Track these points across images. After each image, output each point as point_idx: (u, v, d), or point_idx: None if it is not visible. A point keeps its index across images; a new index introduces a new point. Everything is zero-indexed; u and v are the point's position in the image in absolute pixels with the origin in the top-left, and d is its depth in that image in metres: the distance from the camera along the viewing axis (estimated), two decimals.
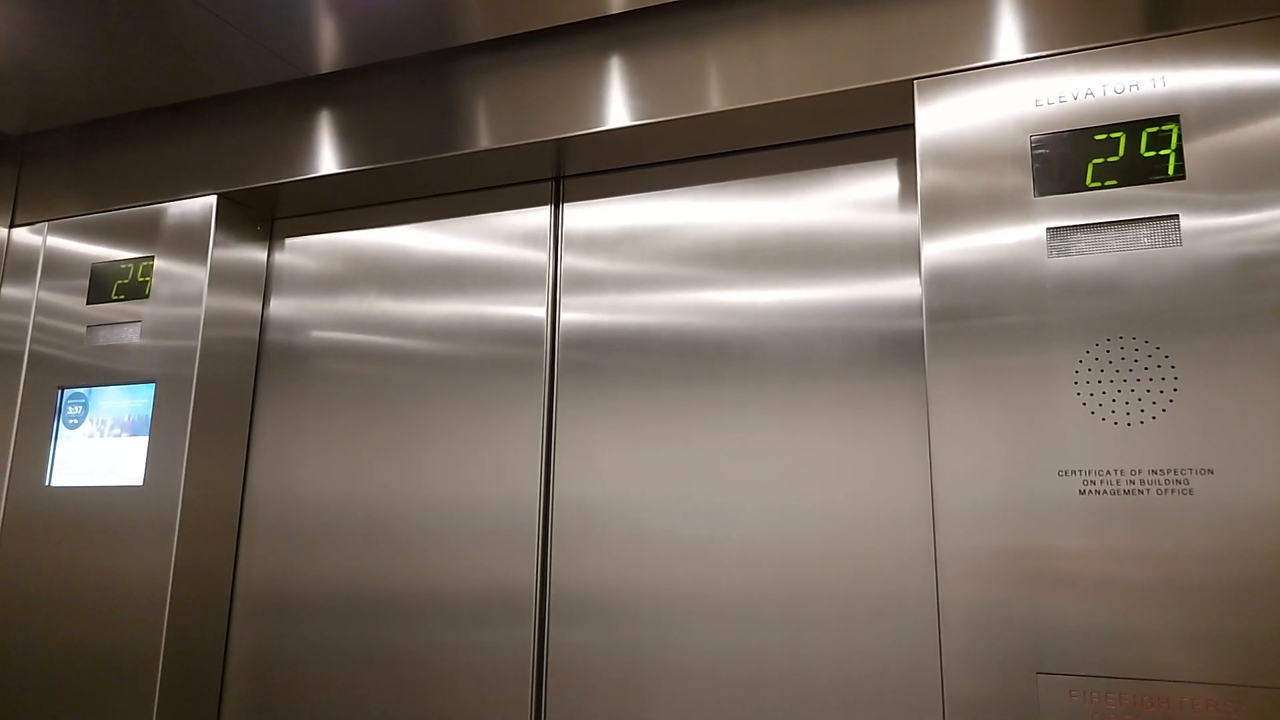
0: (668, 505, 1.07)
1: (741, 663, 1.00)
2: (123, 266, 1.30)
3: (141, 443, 1.22)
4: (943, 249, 0.91)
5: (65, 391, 1.30)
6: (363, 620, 1.19)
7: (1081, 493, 0.82)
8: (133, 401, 1.25)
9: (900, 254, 1.04)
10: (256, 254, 1.35)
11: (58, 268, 1.36)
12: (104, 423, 1.26)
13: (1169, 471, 0.80)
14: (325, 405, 1.28)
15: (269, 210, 1.36)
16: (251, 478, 1.30)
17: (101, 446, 1.25)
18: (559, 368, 1.17)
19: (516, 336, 1.20)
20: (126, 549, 1.20)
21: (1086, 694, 0.78)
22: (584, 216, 1.22)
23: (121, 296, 1.29)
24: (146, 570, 1.18)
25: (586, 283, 1.19)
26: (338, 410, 1.27)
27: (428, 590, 1.16)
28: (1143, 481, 0.81)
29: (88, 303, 1.32)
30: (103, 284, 1.31)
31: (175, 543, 1.17)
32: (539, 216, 1.24)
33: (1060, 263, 0.87)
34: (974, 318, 0.88)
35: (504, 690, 1.09)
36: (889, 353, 1.02)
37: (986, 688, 0.81)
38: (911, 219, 1.05)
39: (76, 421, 1.28)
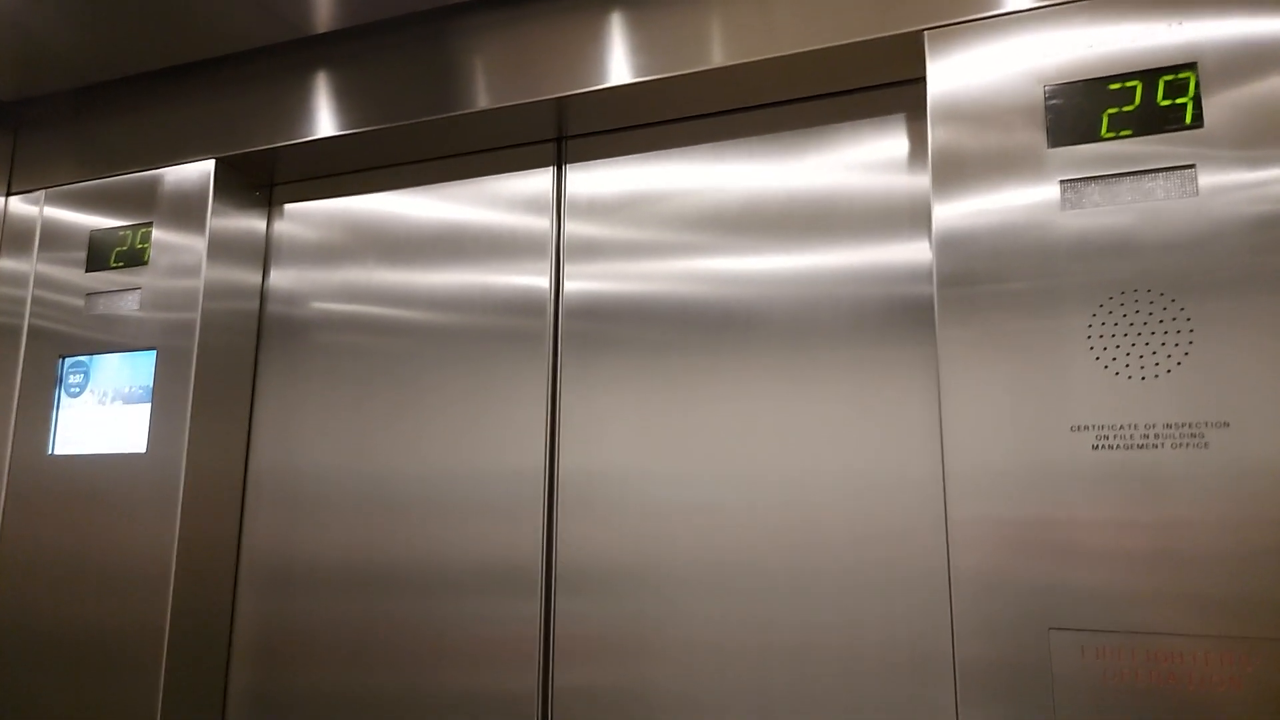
0: (674, 476, 1.07)
1: (749, 631, 0.99)
2: (121, 234, 1.29)
3: (143, 410, 1.22)
4: (954, 210, 0.89)
5: (66, 360, 1.30)
6: (368, 592, 1.18)
7: (1095, 448, 0.81)
8: (134, 369, 1.24)
9: (909, 216, 1.03)
10: (256, 222, 1.34)
11: (55, 236, 1.35)
12: (105, 391, 1.25)
13: (1184, 425, 0.78)
14: (327, 378, 1.27)
15: (267, 175, 1.34)
16: (254, 450, 1.29)
17: (103, 415, 1.25)
18: (563, 338, 1.16)
19: (520, 306, 1.19)
20: (130, 518, 1.20)
21: (1099, 649, 0.77)
22: (587, 180, 1.20)
23: (120, 264, 1.28)
24: (151, 540, 1.18)
25: (590, 250, 1.18)
26: (340, 383, 1.26)
27: (433, 562, 1.16)
28: (1157, 436, 0.79)
29: (86, 270, 1.31)
30: (101, 252, 1.30)
31: (179, 512, 1.17)
32: (541, 180, 1.22)
33: (1074, 216, 0.85)
34: (986, 281, 0.87)
35: (511, 661, 1.09)
36: (897, 319, 1.01)
37: (997, 644, 0.80)
38: (920, 180, 1.03)
39: (78, 390, 1.27)
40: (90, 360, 1.28)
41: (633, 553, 1.06)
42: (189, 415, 1.19)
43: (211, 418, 1.23)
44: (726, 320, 1.08)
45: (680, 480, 1.06)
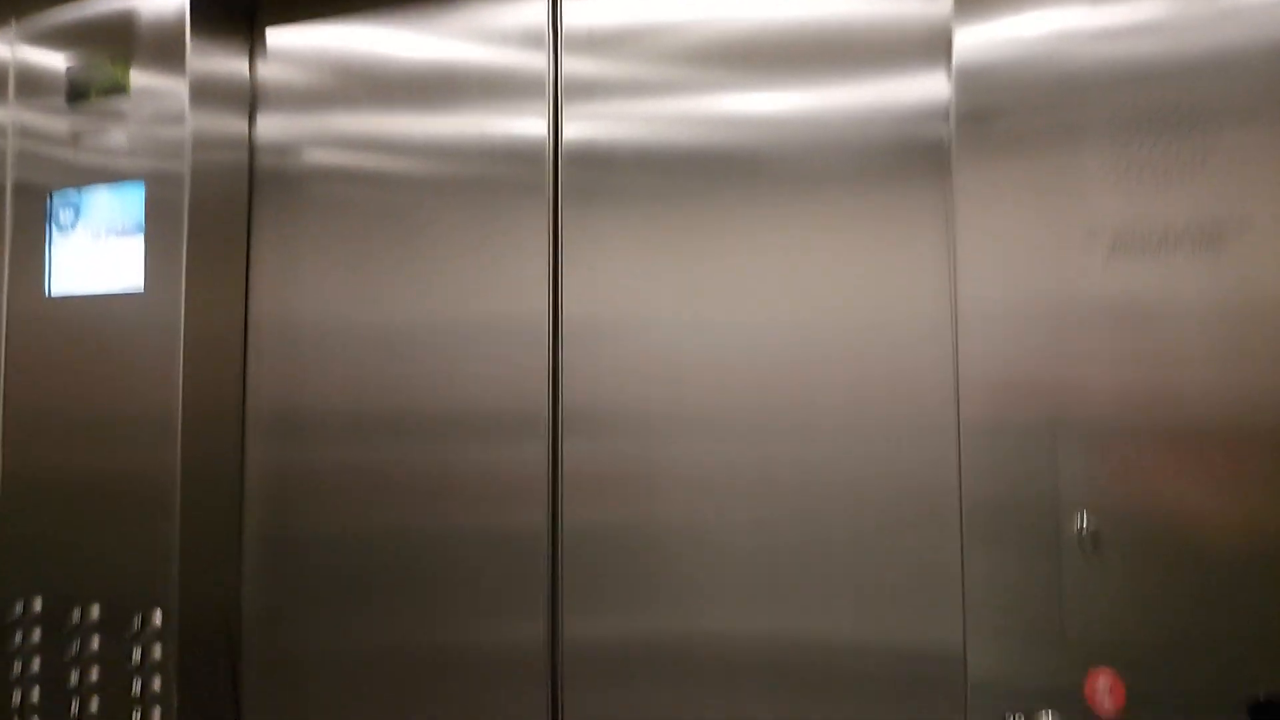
0: (678, 324, 1.07)
1: (752, 469, 1.02)
2: (99, 66, 1.23)
3: (137, 244, 1.20)
4: (978, 38, 0.85)
5: (55, 195, 1.27)
6: (376, 440, 1.20)
7: (1113, 249, 0.80)
8: (124, 202, 1.22)
9: (925, 48, 0.98)
10: (238, 64, 1.28)
11: (32, 72, 1.29)
12: (98, 227, 1.24)
13: (1207, 223, 0.78)
14: (325, 231, 1.24)
15: (249, 3, 1.27)
16: (254, 302, 1.28)
17: (98, 251, 1.23)
18: (562, 187, 1.13)
19: (517, 154, 1.15)
20: (133, 362, 1.20)
21: (1106, 446, 0.79)
22: (585, 9, 1.14)
23: (102, 96, 1.23)
24: (155, 384, 1.19)
25: (589, 89, 1.13)
26: (338, 236, 1.24)
27: (440, 409, 1.17)
28: (1176, 237, 0.79)
29: (68, 101, 1.26)
30: (81, 86, 1.25)
31: (181, 356, 1.17)
32: (536, 9, 1.16)
33: (1101, 14, 0.81)
34: (1009, 115, 0.84)
35: (519, 497, 1.12)
36: (908, 161, 0.98)
37: (1006, 481, 0.82)
38: (939, 6, 0.97)
39: (69, 227, 1.26)
40: (79, 195, 1.25)
41: (637, 398, 1.08)
42: (184, 253, 1.18)
43: (208, 263, 1.21)
44: (731, 165, 1.05)
45: (684, 329, 1.06)
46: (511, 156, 1.16)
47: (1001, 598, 0.82)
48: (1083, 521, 0.79)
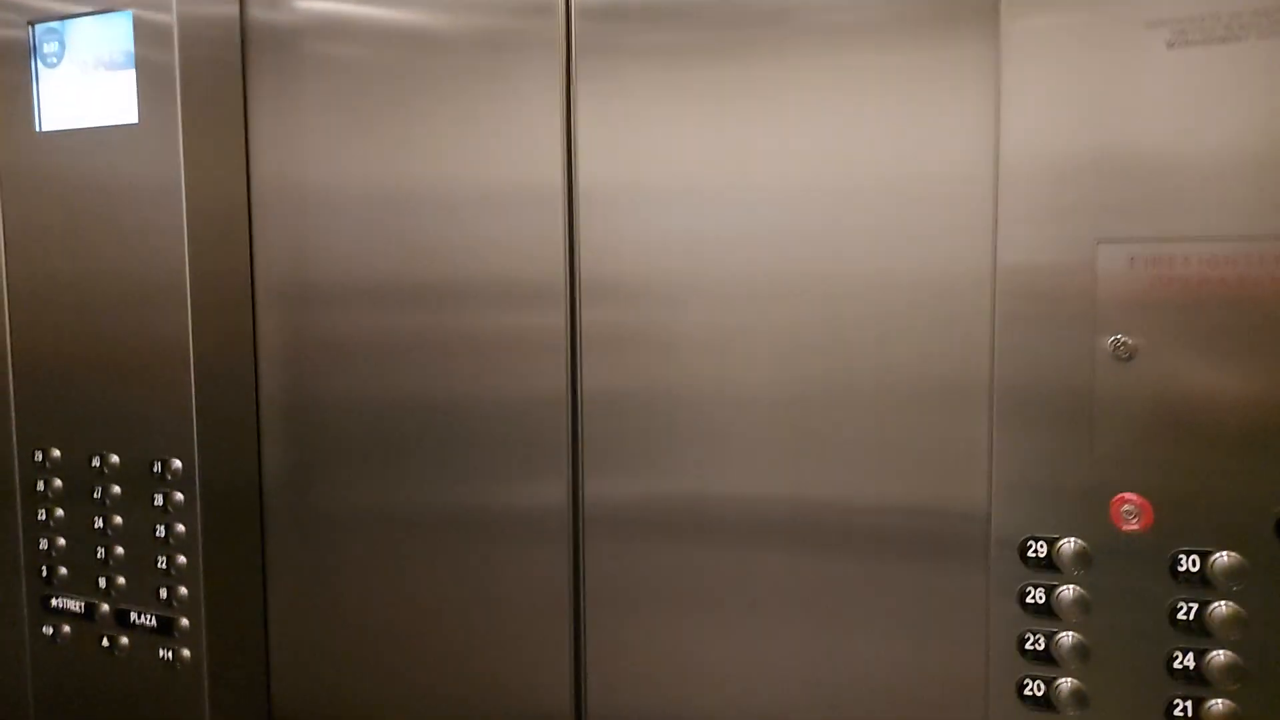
0: (700, 187, 1.00)
1: (777, 333, 0.98)
2: None
3: (128, 77, 1.13)
4: None
5: (37, 27, 1.18)
6: (390, 307, 1.16)
7: (1170, 45, 0.74)
8: (112, 34, 1.13)
9: None
10: None
11: None
12: (85, 59, 1.15)
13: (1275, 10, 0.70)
14: (323, 92, 1.16)
15: None
16: (255, 167, 1.21)
17: (88, 85, 1.16)
18: (576, 42, 1.04)
19: (528, 5, 1.05)
20: (133, 202, 1.15)
21: (1148, 259, 0.76)
22: None
23: None
24: (158, 227, 1.14)
25: None
26: (338, 98, 1.15)
27: (453, 277, 1.12)
28: (1242, 26, 0.71)
29: None
30: None
31: (183, 188, 1.11)
32: None
33: None
34: None
35: (539, 361, 1.09)
36: (952, 5, 0.88)
37: (1042, 250, 0.79)
38: None
39: (55, 60, 1.17)
40: (63, 26, 1.16)
41: (657, 268, 1.02)
42: (179, 90, 1.10)
43: (204, 102, 1.14)
44: (758, 15, 0.96)
45: (708, 191, 0.99)
46: (523, 8, 1.06)
47: (1030, 430, 0.79)
48: (1117, 340, 0.76)
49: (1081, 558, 0.77)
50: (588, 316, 1.07)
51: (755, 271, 0.98)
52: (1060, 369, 0.78)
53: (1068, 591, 0.78)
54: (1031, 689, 0.79)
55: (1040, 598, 0.78)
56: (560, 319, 1.09)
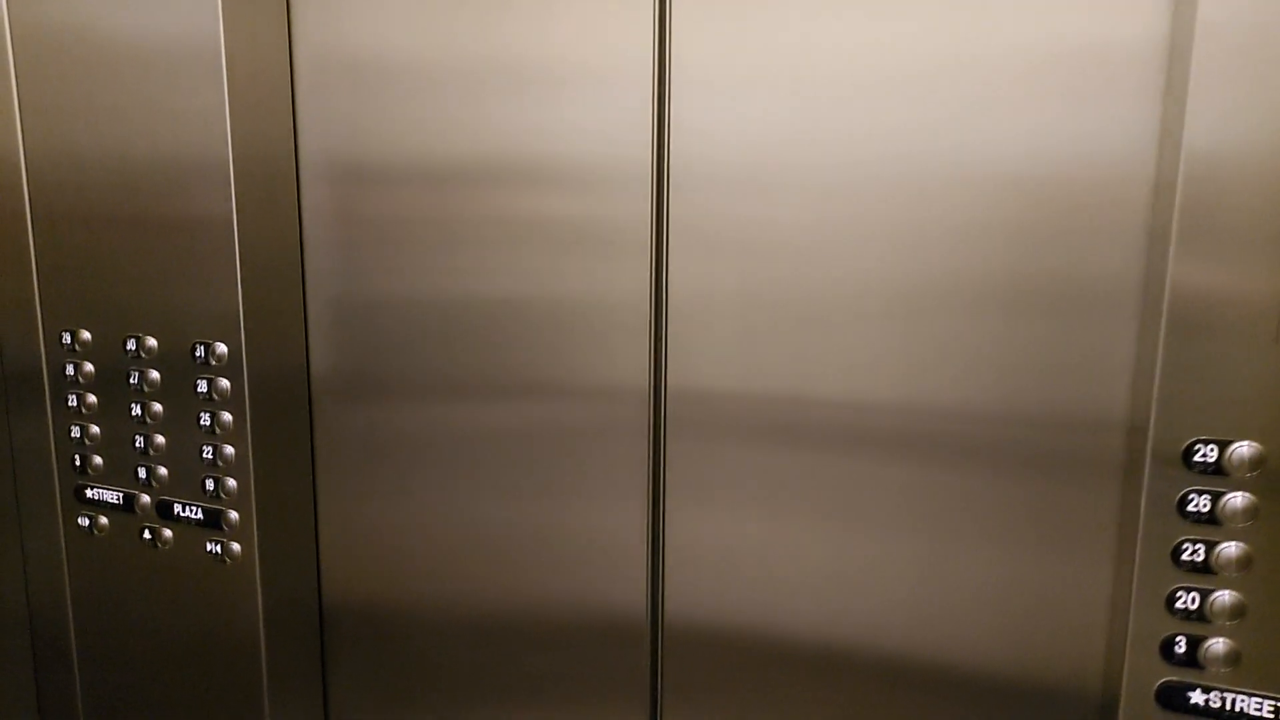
0: (805, 74, 0.88)
1: (895, 231, 0.87)
2: None
3: None
4: None
5: None
6: (454, 188, 1.05)
7: None
8: None
9: None
10: None
11: None
12: None
13: None
14: None
15: None
16: (298, 32, 1.09)
17: None
18: None
19: None
20: (164, 63, 1.03)
21: None
22: None
23: None
24: (195, 95, 1.03)
25: None
26: None
27: (529, 159, 1.01)
28: None
29: None
30: None
31: (222, 49, 1.00)
32: None
33: None
34: None
35: (620, 253, 0.99)
36: None
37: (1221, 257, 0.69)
38: None
39: None
40: None
41: (757, 148, 0.91)
42: None
43: None
44: None
45: (818, 76, 0.87)
46: None
47: (1203, 335, 0.71)
48: None
49: (1256, 461, 0.70)
50: (675, 206, 0.96)
51: (870, 162, 0.87)
52: (1243, 272, 0.69)
53: (1236, 499, 0.71)
54: (1185, 601, 0.73)
55: (1205, 505, 0.71)
56: (645, 209, 0.98)
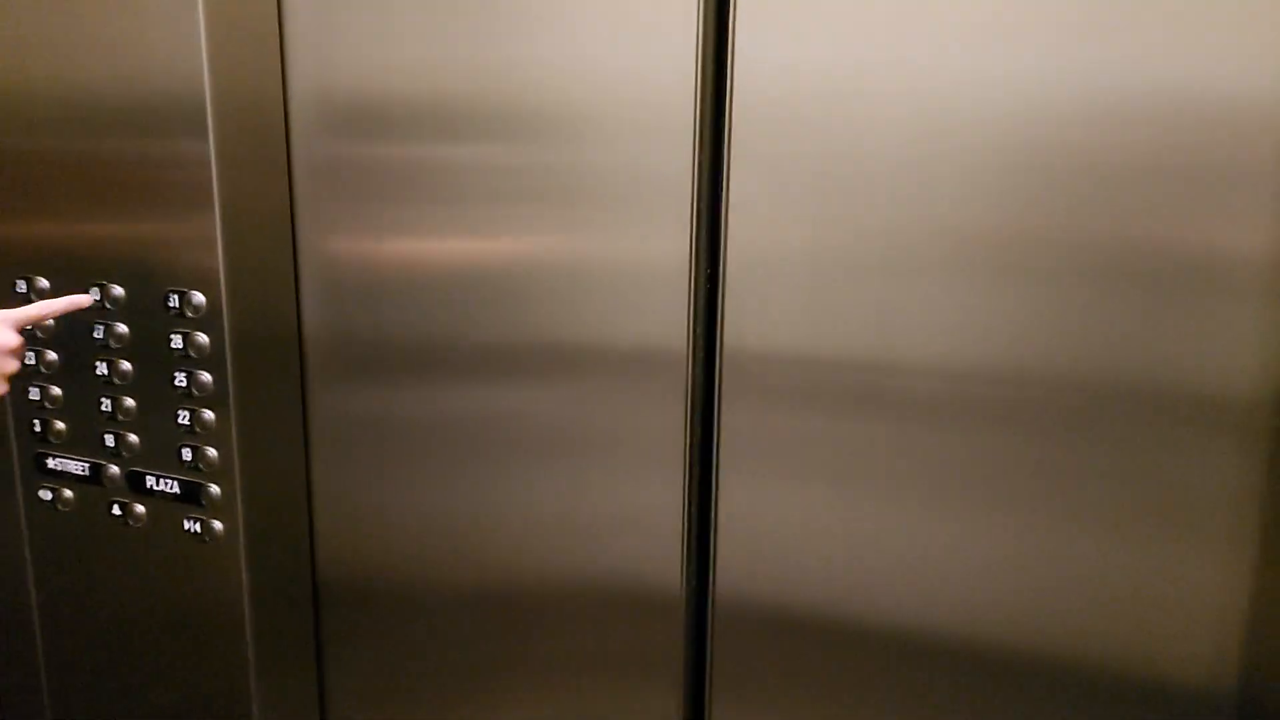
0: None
1: (991, 184, 0.75)
2: None
3: None
4: None
5: None
6: (466, 136, 0.91)
7: None
8: None
9: None
10: None
11: None
12: None
13: None
14: None
15: None
16: None
17: None
18: None
19: None
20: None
21: None
22: None
23: None
24: (167, 20, 0.88)
25: None
26: None
27: (565, 98, 0.87)
28: None
29: None
30: None
31: None
32: None
33: None
34: None
35: (666, 206, 0.85)
36: None
37: None
38: None
39: None
40: None
41: (835, 73, 0.77)
42: None
43: None
44: None
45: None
46: None
47: None
48: None
49: None
50: (737, 149, 0.82)
51: (979, 92, 0.74)
52: None
53: None
54: None
55: None
56: (686, 160, 0.84)
